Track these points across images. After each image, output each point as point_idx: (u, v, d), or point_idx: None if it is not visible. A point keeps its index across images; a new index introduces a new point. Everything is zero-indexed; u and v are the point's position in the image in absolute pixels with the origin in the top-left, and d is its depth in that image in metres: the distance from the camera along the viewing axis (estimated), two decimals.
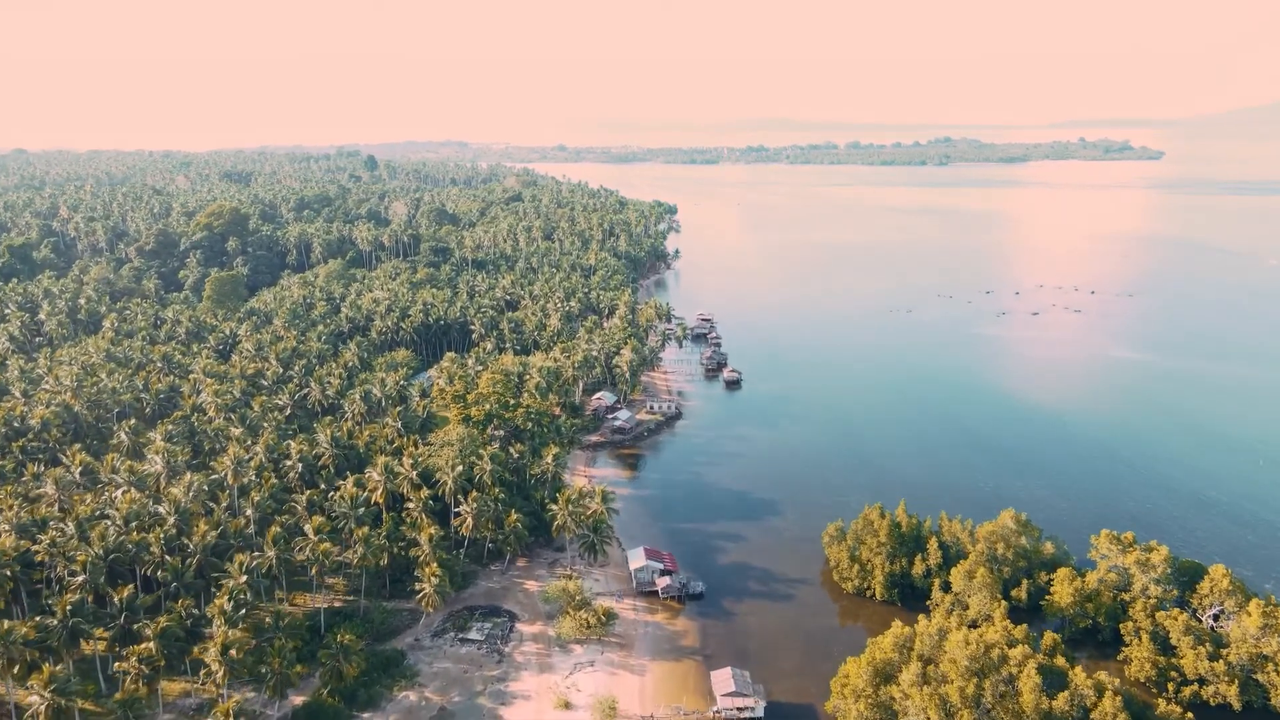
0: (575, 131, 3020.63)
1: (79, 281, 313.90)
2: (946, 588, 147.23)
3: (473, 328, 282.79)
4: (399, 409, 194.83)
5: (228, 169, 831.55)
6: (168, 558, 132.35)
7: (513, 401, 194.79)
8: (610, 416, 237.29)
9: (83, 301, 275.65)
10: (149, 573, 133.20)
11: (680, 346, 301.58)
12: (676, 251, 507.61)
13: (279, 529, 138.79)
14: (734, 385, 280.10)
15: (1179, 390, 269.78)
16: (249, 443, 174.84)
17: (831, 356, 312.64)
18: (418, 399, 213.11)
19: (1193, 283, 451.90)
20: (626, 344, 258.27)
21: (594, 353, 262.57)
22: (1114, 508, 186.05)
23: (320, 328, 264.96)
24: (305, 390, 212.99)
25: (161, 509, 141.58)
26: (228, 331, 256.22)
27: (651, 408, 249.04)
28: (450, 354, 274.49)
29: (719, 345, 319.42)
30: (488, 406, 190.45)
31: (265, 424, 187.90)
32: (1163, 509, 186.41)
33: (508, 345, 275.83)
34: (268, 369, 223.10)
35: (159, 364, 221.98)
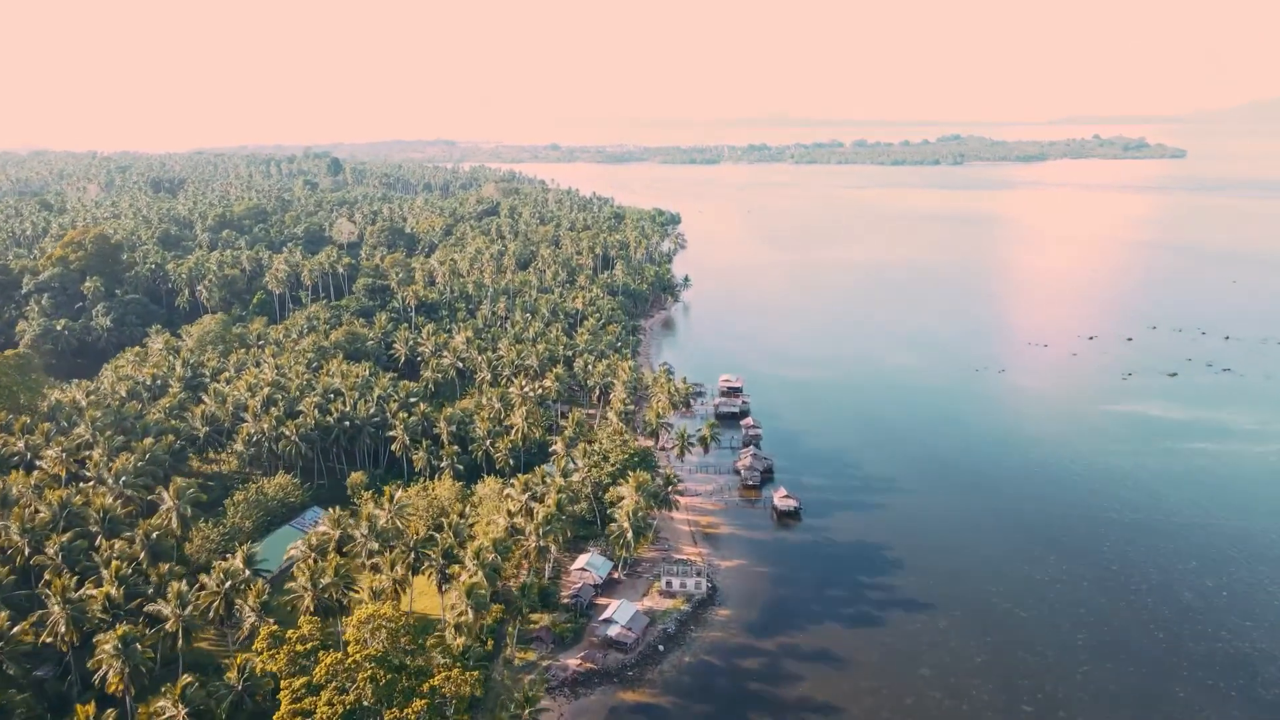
0: (569, 129, 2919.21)
1: None
2: None
3: (394, 434, 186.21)
4: (188, 680, 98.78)
5: (162, 174, 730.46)
6: None
7: (409, 673, 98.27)
8: (601, 618, 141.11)
9: None
10: None
11: (706, 450, 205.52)
12: (686, 279, 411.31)
13: None
14: (790, 517, 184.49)
15: None
16: None
17: (917, 453, 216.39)
18: (248, 621, 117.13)
19: None
20: (629, 478, 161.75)
21: (578, 483, 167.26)
22: None
23: (148, 444, 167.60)
24: (43, 612, 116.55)
25: None
26: None
27: (667, 584, 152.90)
28: (357, 480, 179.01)
29: (758, 439, 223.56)
30: (354, 695, 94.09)
31: None
32: None
33: (445, 463, 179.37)
34: None
35: None
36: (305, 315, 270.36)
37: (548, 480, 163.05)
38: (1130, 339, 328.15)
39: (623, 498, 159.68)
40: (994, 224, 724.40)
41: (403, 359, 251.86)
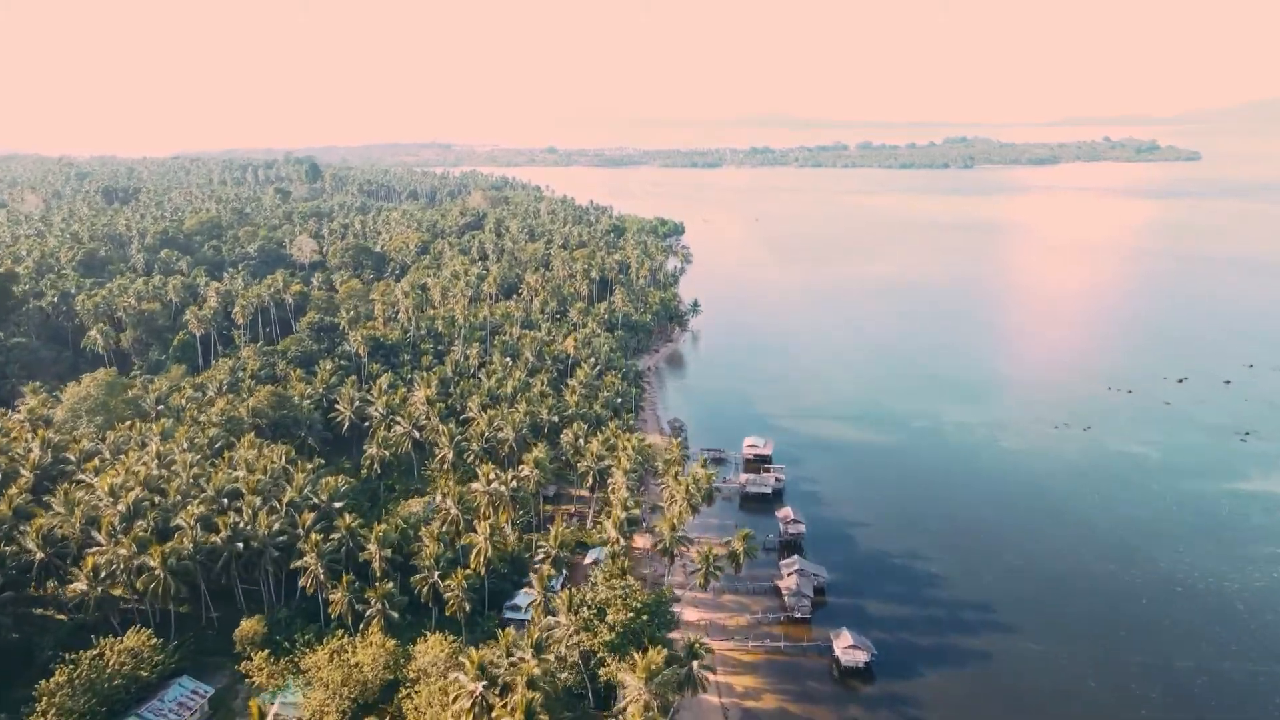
0: (568, 129, 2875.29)
1: None
2: None
3: (305, 564, 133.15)
4: None
5: (127, 181, 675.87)
6: None
7: None
8: None
9: None
10: None
11: (739, 571, 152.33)
12: (695, 304, 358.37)
13: None
14: (858, 677, 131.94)
15: None
16: None
17: (1013, 563, 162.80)
18: None
19: None
20: (637, 658, 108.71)
21: (562, 652, 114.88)
22: None
23: None
24: None
25: None
26: None
27: None
28: (248, 632, 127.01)
29: (801, 537, 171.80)
30: None
31: None
32: None
33: (374, 608, 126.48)
34: None
35: None
36: (228, 366, 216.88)
37: (516, 653, 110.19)
38: (1228, 382, 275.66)
39: (627, 688, 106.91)
40: (1020, 233, 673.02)
41: (346, 423, 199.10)
